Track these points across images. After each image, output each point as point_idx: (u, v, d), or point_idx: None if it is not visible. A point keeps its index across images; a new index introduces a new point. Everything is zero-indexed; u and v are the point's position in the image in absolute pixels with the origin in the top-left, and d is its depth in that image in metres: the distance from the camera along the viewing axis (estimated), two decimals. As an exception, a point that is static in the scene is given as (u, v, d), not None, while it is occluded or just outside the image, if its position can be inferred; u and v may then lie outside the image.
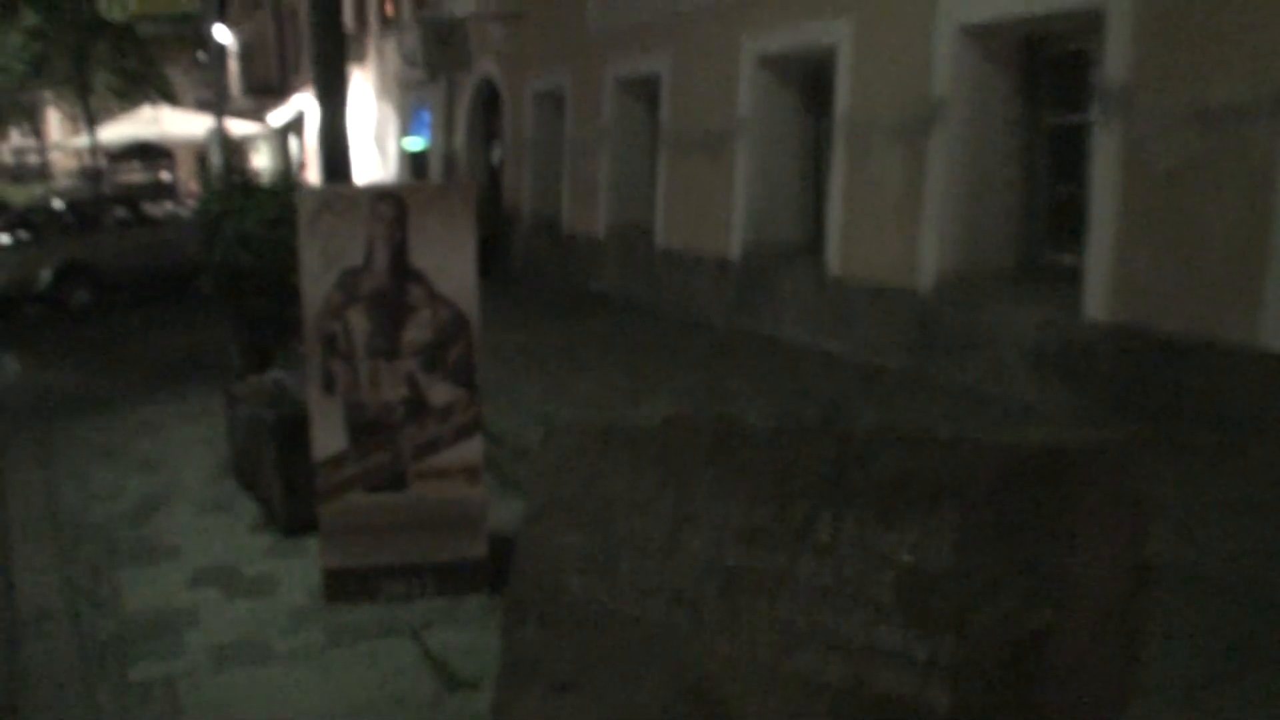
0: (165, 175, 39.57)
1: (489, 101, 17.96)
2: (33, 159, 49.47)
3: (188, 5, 16.11)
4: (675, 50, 11.50)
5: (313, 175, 31.15)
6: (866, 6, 8.63)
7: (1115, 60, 6.60)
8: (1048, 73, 7.93)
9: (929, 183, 8.04)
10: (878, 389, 7.77)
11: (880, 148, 8.53)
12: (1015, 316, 7.38)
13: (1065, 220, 7.72)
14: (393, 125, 22.82)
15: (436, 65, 17.42)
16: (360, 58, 24.93)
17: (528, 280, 15.32)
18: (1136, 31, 6.47)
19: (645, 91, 12.57)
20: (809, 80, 10.06)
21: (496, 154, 18.12)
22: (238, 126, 32.40)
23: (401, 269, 4.36)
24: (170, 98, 36.69)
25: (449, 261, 4.38)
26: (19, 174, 47.34)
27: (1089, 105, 7.10)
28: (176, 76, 39.30)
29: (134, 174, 38.51)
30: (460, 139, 18.77)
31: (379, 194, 4.38)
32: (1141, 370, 6.47)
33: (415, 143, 21.51)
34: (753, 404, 7.40)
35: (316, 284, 4.38)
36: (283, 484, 5.31)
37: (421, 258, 4.36)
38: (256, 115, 33.96)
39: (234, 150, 38.95)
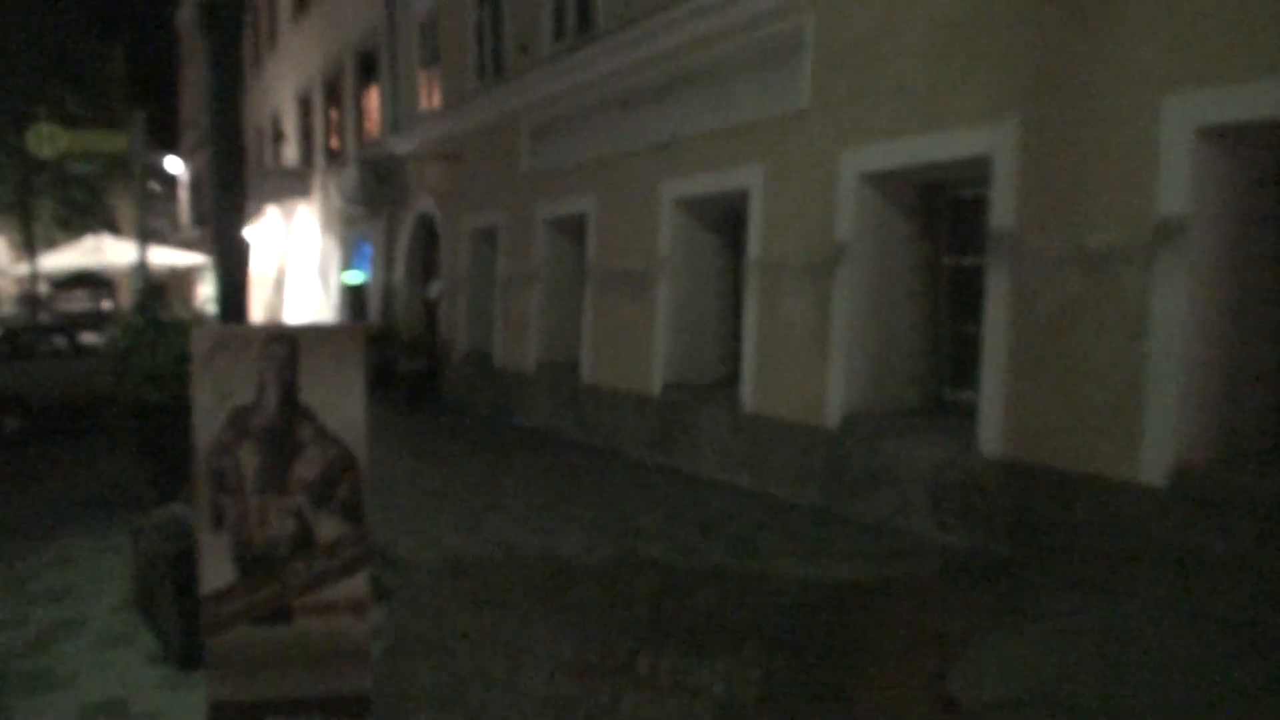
0: (106, 304, 39.53)
1: (428, 237, 18.26)
2: (-26, 284, 49.25)
3: (117, 145, 16.35)
4: (601, 192, 11.85)
5: (255, 303, 31.30)
6: (776, 153, 9.00)
7: (1002, 206, 6.94)
8: (946, 217, 8.29)
9: (835, 323, 8.30)
10: (786, 524, 7.89)
11: (790, 288, 8.81)
12: (917, 452, 7.58)
13: (965, 358, 7.99)
14: (335, 259, 23.06)
15: (375, 202, 17.81)
16: (306, 193, 25.29)
17: (460, 412, 15.41)
18: (1021, 178, 6.82)
19: (573, 231, 12.90)
20: (725, 222, 10.41)
21: (434, 288, 18.36)
22: (184, 257, 32.59)
23: (292, 407, 4.46)
24: (113, 227, 36.88)
25: (338, 400, 4.49)
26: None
27: (984, 248, 7.41)
28: (124, 205, 39.59)
29: (76, 302, 38.46)
30: (399, 273, 19.02)
31: (271, 334, 4.51)
32: (1033, 504, 6.65)
33: (355, 276, 21.73)
34: (658, 539, 7.48)
35: (207, 421, 4.47)
36: (180, 617, 5.32)
37: (312, 396, 4.47)
38: (204, 246, 34.19)
39: (179, 281, 39.15)
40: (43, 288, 33.03)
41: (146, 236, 18.22)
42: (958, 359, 8.19)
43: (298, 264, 26.71)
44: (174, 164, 38.34)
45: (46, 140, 15.93)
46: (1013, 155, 6.86)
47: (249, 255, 5.40)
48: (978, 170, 7.30)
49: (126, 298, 38.97)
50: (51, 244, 33.76)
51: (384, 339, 18.10)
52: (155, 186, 49.68)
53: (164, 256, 32.41)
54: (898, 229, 8.27)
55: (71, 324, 19.65)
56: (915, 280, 8.34)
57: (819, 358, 8.48)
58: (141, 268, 17.30)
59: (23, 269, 31.93)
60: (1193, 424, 5.94)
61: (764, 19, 9.07)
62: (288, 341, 4.44)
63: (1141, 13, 6.08)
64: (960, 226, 8.13)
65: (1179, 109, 5.89)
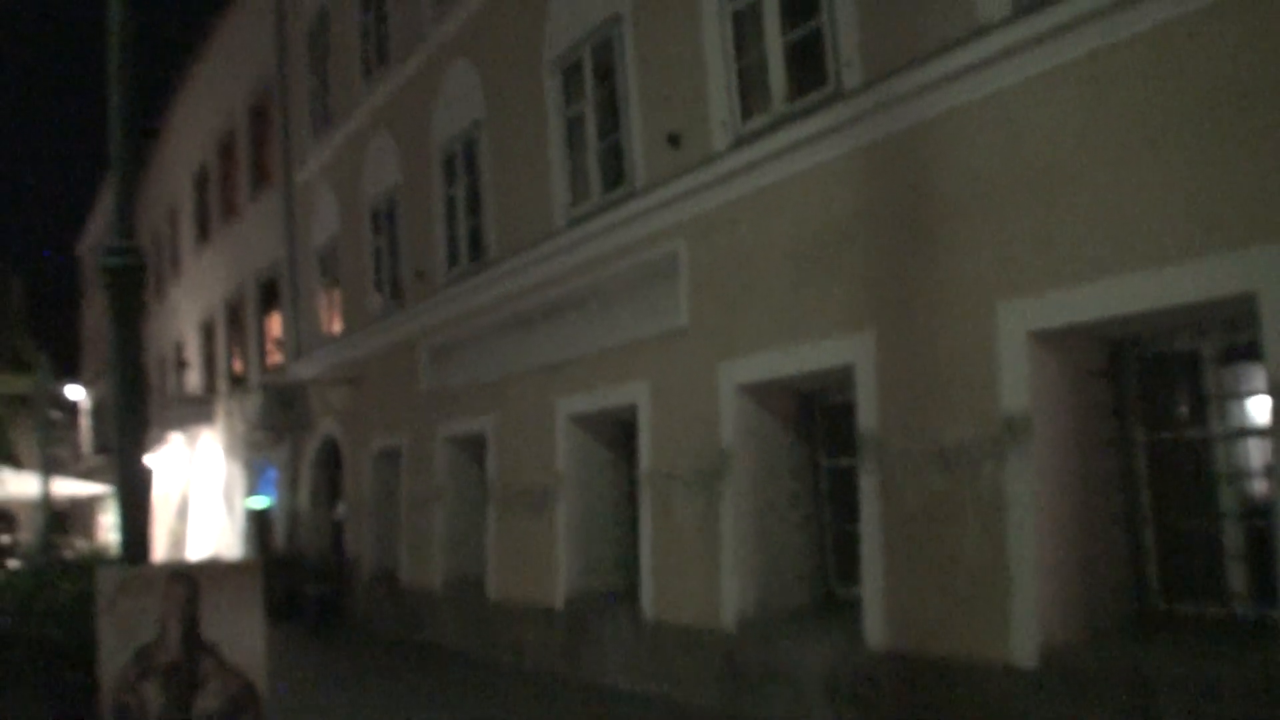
0: (5, 538, 38.51)
1: (332, 460, 18.42)
2: None
3: (21, 388, 16.49)
4: (499, 411, 12.27)
5: (159, 532, 30.79)
6: (660, 370, 9.52)
7: (867, 411, 7.47)
8: (821, 422, 8.81)
9: (724, 528, 8.68)
10: (689, 728, 8.07)
11: (681, 497, 9.20)
12: (810, 649, 7.87)
13: (849, 555, 8.38)
14: (240, 484, 23.01)
15: (278, 427, 18.00)
16: (210, 420, 25.35)
17: (368, 633, 15.33)
18: (881, 385, 7.37)
19: (474, 450, 13.23)
20: (619, 436, 10.85)
21: (339, 510, 18.41)
22: (85, 487, 32.08)
23: (193, 642, 4.67)
24: (13, 460, 36.23)
25: (239, 633, 4.71)
26: None
27: (856, 450, 7.90)
28: (24, 437, 39.02)
29: (-27, 536, 37.42)
30: (304, 496, 19.08)
31: (173, 574, 4.75)
32: (918, 693, 6.96)
33: (259, 501, 21.69)
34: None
35: (112, 659, 4.65)
36: None
37: (213, 631, 4.69)
38: (105, 474, 33.72)
39: (80, 511, 38.36)
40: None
41: (50, 472, 18.13)
42: (843, 556, 8.58)
43: (202, 490, 26.53)
44: (75, 391, 38.07)
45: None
46: (872, 364, 7.43)
47: (150, 494, 5.63)
48: (844, 378, 7.85)
49: (28, 531, 38.03)
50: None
51: (290, 564, 18.02)
52: (56, 414, 49.15)
53: (66, 487, 31.89)
54: (777, 435, 8.77)
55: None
56: (797, 483, 8.79)
57: (712, 563, 8.81)
58: (45, 505, 17.17)
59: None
60: (1055, 605, 6.35)
61: (641, 244, 9.73)
62: (189, 580, 4.68)
63: (972, 230, 6.77)
64: (835, 430, 8.65)
65: (1011, 315, 6.52)
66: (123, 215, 5.11)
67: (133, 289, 5.10)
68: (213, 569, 4.70)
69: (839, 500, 8.62)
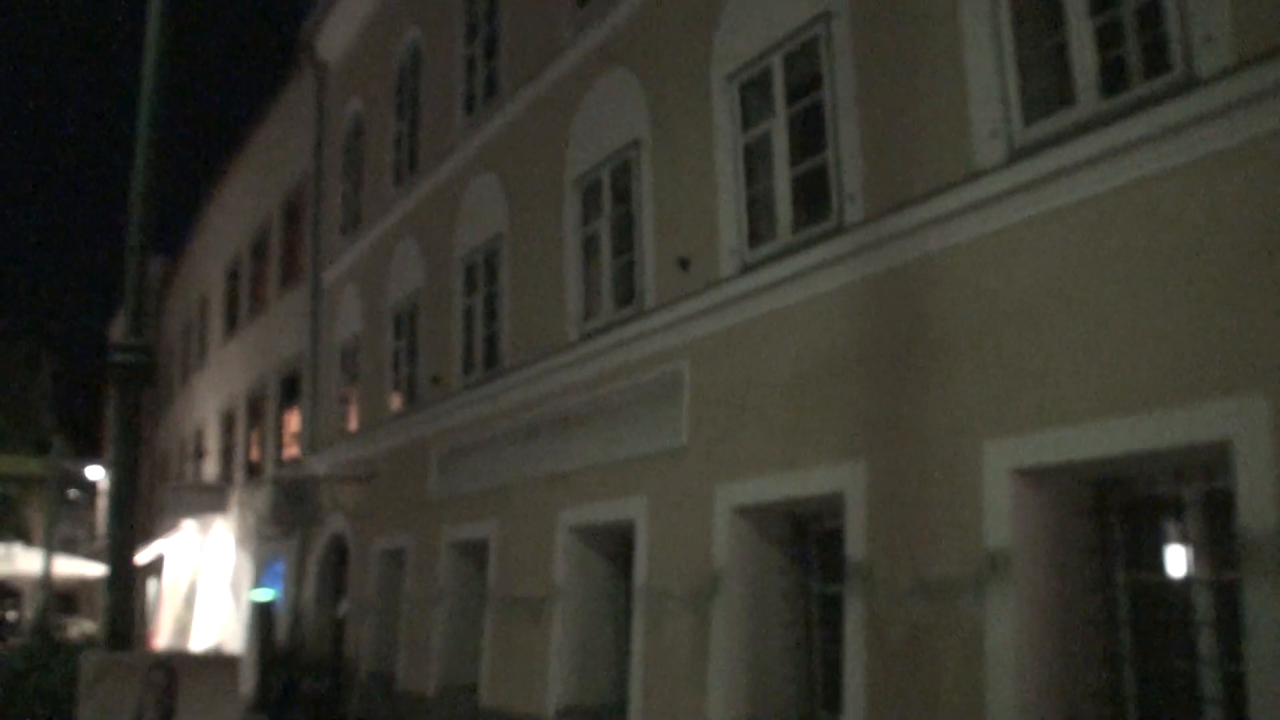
0: (11, 614, 38.62)
1: (339, 557, 18.50)
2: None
3: (35, 469, 16.76)
4: (502, 518, 12.39)
5: (165, 617, 30.77)
6: (659, 487, 9.65)
7: (855, 539, 7.56)
8: (814, 547, 8.89)
9: (714, 648, 8.72)
10: None
11: (673, 614, 9.26)
12: (791, 776, 7.86)
13: (835, 683, 8.37)
14: (248, 575, 23.06)
15: (287, 522, 18.16)
16: (223, 509, 25.52)
17: (360, 737, 15.27)
18: (870, 514, 7.48)
19: (476, 555, 13.32)
20: (617, 550, 10.93)
21: (343, 608, 18.43)
22: (93, 567, 32.19)
23: (168, 733, 4.77)
24: (25, 536, 36.45)
25: (213, 725, 4.81)
26: None
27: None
28: (39, 514, 39.26)
29: (-20, 612, 37.58)
30: (309, 592, 19.11)
31: (153, 662, 4.87)
32: (894, 828, 6.93)
33: (264, 594, 21.71)
34: None
35: (88, 746, 4.75)
36: None
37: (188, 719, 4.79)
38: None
39: (88, 590, 38.36)
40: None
41: (53, 552, 18.29)
42: (829, 683, 8.58)
43: (210, 579, 26.57)
44: (95, 472, 38.36)
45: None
46: (862, 493, 7.55)
47: (135, 585, 5.77)
48: (833, 504, 7.96)
49: (32, 608, 38.08)
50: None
51: (289, 658, 18.00)
52: (74, 494, 49.46)
53: (73, 567, 32.01)
54: (770, 559, 8.85)
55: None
56: (788, 607, 8.84)
57: (700, 683, 8.83)
58: (46, 585, 17.31)
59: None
60: (1032, 746, 6.36)
61: (647, 363, 9.94)
62: (168, 670, 4.80)
63: (962, 367, 6.94)
64: (827, 556, 8.71)
65: (997, 453, 6.65)
66: (134, 315, 5.35)
67: (138, 386, 5.30)
68: (192, 661, 4.81)
69: (829, 626, 8.65)
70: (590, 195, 11.37)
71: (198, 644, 26.61)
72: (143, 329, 5.67)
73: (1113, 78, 6.47)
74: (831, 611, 8.54)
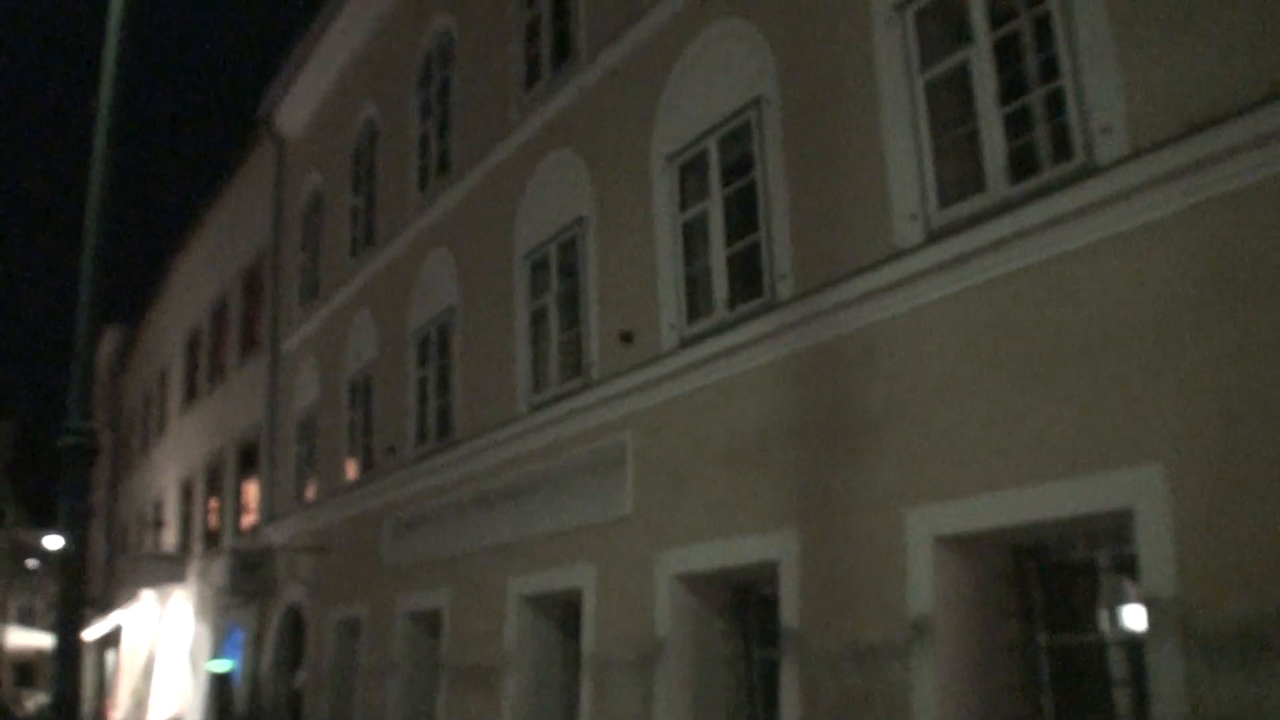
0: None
1: (296, 626, 18.51)
2: None
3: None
4: (455, 587, 12.54)
5: (123, 689, 30.44)
6: (605, 555, 9.87)
7: (789, 606, 7.80)
8: (754, 614, 9.10)
9: (658, 713, 8.89)
10: None
11: (618, 682, 9.44)
12: (732, 840, 8.02)
13: (776, 747, 8.58)
14: (207, 645, 22.95)
15: (244, 591, 18.17)
16: (182, 579, 25.41)
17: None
18: (802, 582, 7.73)
19: (430, 624, 13.43)
20: (567, 618, 11.09)
21: (301, 677, 18.41)
22: (51, 639, 31.74)
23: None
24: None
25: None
26: None
27: (782, 644, 8.20)
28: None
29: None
30: (268, 662, 19.07)
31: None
32: None
33: (222, 664, 21.61)
34: None
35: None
36: None
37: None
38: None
39: (47, 662, 37.84)
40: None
41: (6, 625, 18.19)
42: (770, 748, 8.77)
43: (169, 650, 26.38)
44: (54, 542, 37.99)
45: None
46: (795, 561, 7.80)
47: (84, 659, 5.91)
48: (770, 573, 8.20)
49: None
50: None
51: (246, 731, 17.94)
52: (32, 563, 48.87)
53: (30, 638, 31.68)
54: (712, 625, 9.06)
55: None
56: (730, 672, 9.04)
57: (644, 748, 8.99)
58: (0, 657, 17.21)
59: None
60: (957, 808, 6.58)
61: (593, 434, 10.20)
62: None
63: (885, 439, 7.24)
64: (766, 623, 8.93)
65: (918, 521, 6.94)
66: (81, 398, 5.56)
67: (85, 467, 5.51)
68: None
69: (769, 691, 8.84)
70: (539, 270, 11.68)
71: (156, 716, 26.36)
72: (90, 412, 5.86)
73: (1021, 164, 6.84)
74: (772, 677, 8.74)
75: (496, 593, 11.56)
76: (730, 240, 8.99)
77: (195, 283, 27.40)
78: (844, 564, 7.42)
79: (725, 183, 9.11)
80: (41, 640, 31.74)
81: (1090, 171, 6.25)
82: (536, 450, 11.12)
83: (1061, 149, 6.61)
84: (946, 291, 6.99)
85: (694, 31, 9.55)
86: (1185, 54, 5.84)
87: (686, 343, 9.14)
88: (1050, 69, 6.70)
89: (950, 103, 7.31)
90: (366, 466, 15.64)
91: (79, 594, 5.51)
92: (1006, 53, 7.01)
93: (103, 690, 34.37)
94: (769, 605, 8.75)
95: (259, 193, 22.21)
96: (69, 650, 5.49)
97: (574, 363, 10.87)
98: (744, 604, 9.15)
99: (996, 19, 7.01)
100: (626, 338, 9.80)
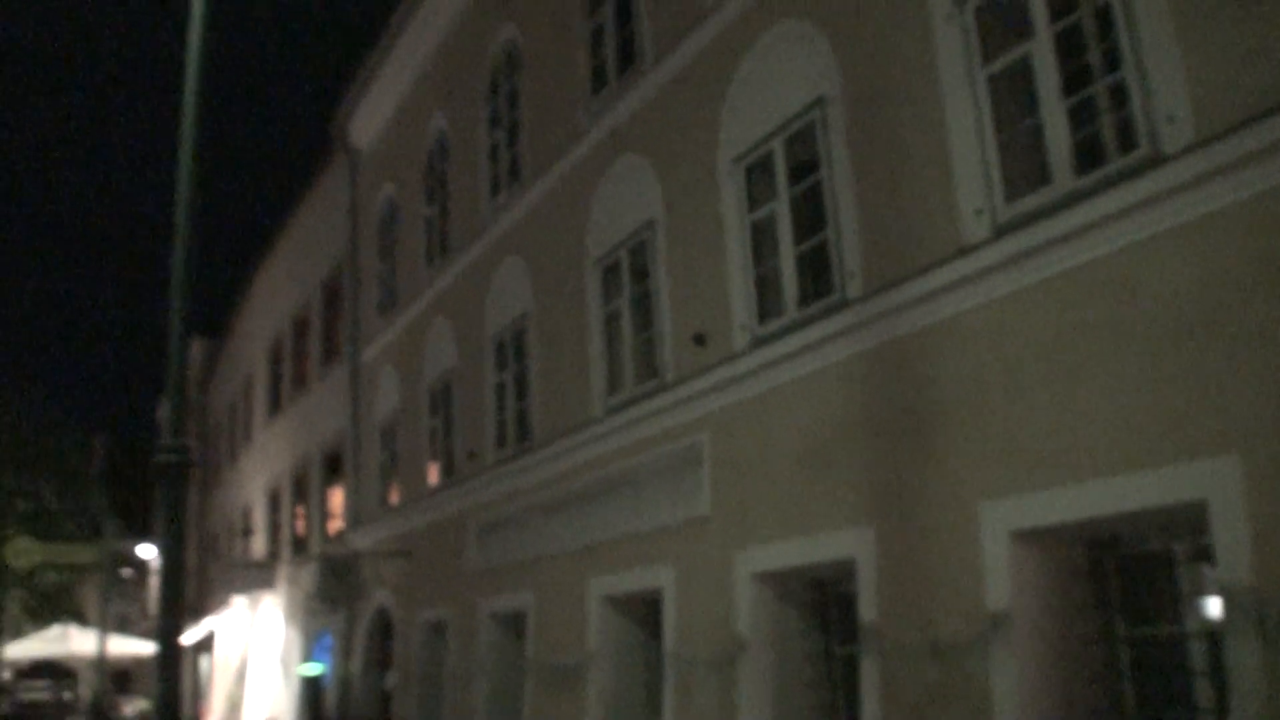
0: (67, 694, 39.19)
1: (384, 630, 18.88)
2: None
3: (88, 557, 17.32)
4: (538, 589, 12.74)
5: (218, 694, 31.20)
6: (684, 555, 9.99)
7: (867, 602, 7.86)
8: (834, 610, 9.17)
9: (741, 711, 9.00)
10: None
11: (700, 679, 9.56)
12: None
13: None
14: (297, 649, 23.47)
15: (332, 598, 18.55)
16: (271, 585, 25.98)
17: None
18: (880, 578, 7.79)
19: (515, 625, 13.65)
20: (648, 617, 11.24)
21: (389, 680, 18.77)
22: (148, 646, 32.67)
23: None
24: (80, 616, 37.07)
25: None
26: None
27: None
28: (92, 594, 39.94)
29: (37, 692, 38.20)
30: (357, 665, 19.48)
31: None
32: None
33: (313, 668, 22.09)
34: None
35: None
36: None
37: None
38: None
39: (143, 669, 38.90)
40: (5, 674, 32.99)
41: (107, 634, 18.77)
42: (853, 743, 8.84)
43: (261, 654, 27.00)
44: (147, 551, 39.03)
45: (23, 554, 16.87)
46: (872, 558, 7.86)
47: (184, 666, 6.17)
48: (849, 569, 8.26)
49: (89, 687, 38.68)
50: (18, 632, 34.02)
51: (338, 733, 18.34)
52: (127, 573, 50.24)
53: (128, 646, 32.57)
54: (791, 623, 9.14)
55: (31, 713, 19.71)
56: (811, 669, 9.11)
57: (728, 745, 9.11)
58: (101, 667, 17.77)
59: (-12, 657, 32.05)
60: (1042, 800, 6.60)
61: (669, 436, 10.33)
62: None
63: (959, 433, 7.28)
64: (847, 618, 8.99)
65: (993, 516, 6.96)
66: (176, 418, 5.81)
67: (181, 482, 5.75)
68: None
69: (850, 687, 8.91)
70: (610, 274, 11.84)
71: (250, 719, 27.01)
72: (183, 429, 6.12)
73: (1086, 156, 6.83)
74: (852, 672, 8.81)
75: (578, 594, 11.74)
76: (799, 240, 9.07)
77: (276, 295, 28.02)
78: (920, 560, 7.47)
79: (792, 183, 9.19)
80: (137, 647, 32.56)
81: (1156, 161, 6.23)
82: (613, 452, 11.27)
83: (1126, 139, 6.60)
84: (1016, 286, 6.99)
85: (755, 34, 9.63)
86: (1249, 38, 5.80)
87: (759, 343, 9.23)
88: (1112, 59, 6.69)
89: (1013, 96, 7.33)
90: (448, 471, 15.92)
91: (179, 604, 5.75)
92: (1068, 45, 7.00)
93: (198, 694, 35.26)
94: (848, 601, 8.81)
95: (335, 205, 22.65)
96: (170, 657, 5.73)
97: (648, 365, 11.00)
98: (823, 601, 9.22)
99: (1057, 12, 7.01)
100: (699, 339, 9.90)
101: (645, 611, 11.23)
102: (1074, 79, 6.99)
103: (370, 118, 20.55)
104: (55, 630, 31.65)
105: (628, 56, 11.88)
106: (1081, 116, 6.92)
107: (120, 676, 41.28)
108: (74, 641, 30.87)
